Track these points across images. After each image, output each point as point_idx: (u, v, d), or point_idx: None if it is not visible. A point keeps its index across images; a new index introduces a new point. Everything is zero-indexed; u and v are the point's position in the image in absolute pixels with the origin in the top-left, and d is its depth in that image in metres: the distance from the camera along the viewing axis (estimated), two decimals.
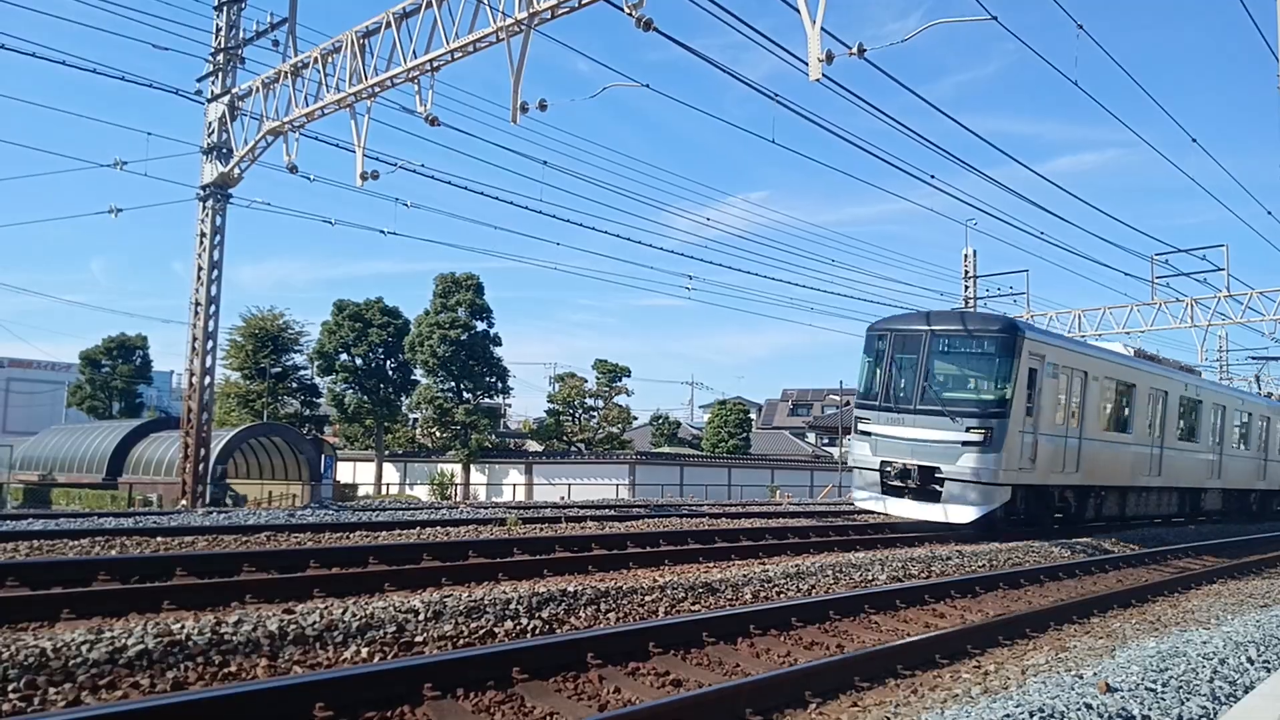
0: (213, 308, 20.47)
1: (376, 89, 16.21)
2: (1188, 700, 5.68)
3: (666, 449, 61.46)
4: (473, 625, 7.50)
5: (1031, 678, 6.55)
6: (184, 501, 20.35)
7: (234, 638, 6.34)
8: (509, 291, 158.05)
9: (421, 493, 43.73)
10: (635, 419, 58.59)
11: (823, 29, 11.10)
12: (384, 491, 44.64)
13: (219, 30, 20.37)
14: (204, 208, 20.32)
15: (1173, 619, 10.25)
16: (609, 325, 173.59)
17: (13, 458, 39.98)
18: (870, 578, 11.52)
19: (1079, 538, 17.72)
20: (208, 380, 20.87)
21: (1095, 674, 6.24)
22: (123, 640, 5.95)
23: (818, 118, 16.76)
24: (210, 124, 20.24)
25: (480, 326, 47.85)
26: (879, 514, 18.05)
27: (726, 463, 55.70)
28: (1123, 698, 5.52)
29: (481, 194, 24.42)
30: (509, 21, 13.56)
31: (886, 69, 12.76)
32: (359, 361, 47.15)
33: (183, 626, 6.34)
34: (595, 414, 54.72)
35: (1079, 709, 5.17)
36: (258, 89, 18.98)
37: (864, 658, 7.05)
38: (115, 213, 21.74)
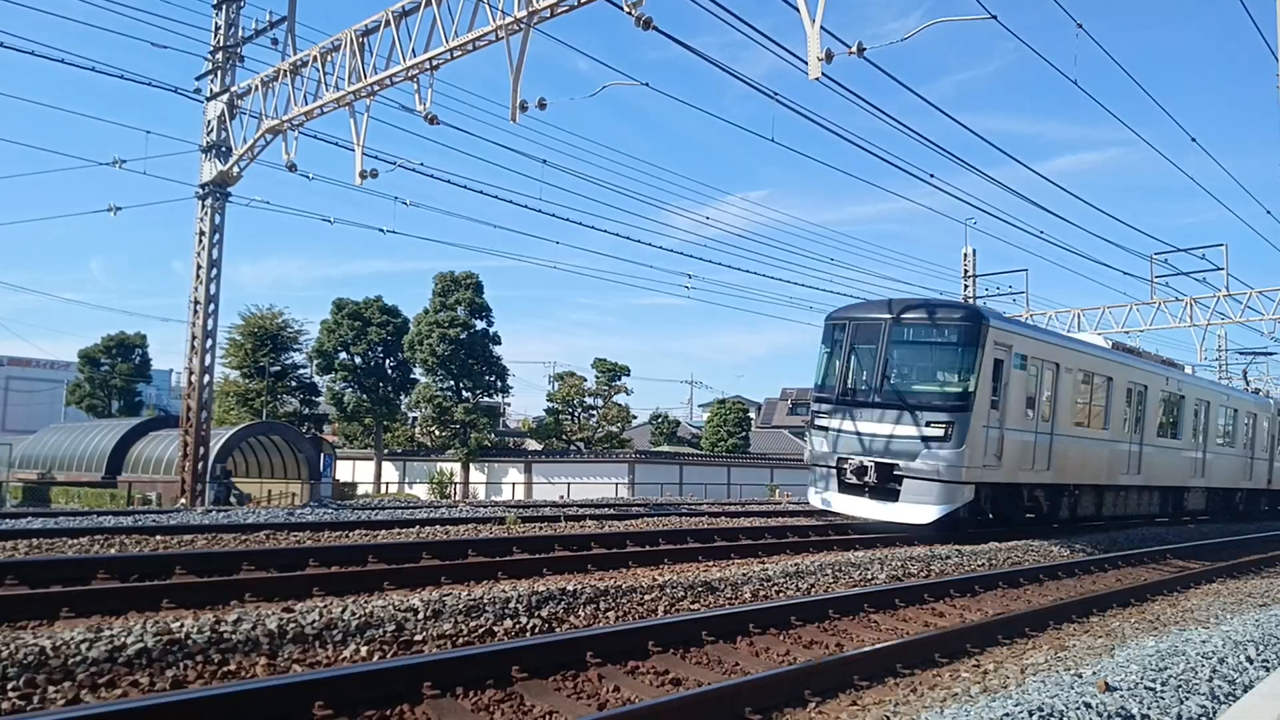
0: (212, 306, 20.47)
1: (376, 87, 16.20)
2: (1187, 699, 5.69)
3: (666, 448, 61.47)
4: (472, 624, 7.50)
5: (1031, 677, 6.56)
6: (183, 500, 20.34)
7: (233, 636, 6.33)
8: (508, 290, 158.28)
9: (421, 491, 43.72)
10: (634, 418, 58.60)
11: (822, 28, 11.10)
12: (383, 490, 44.63)
13: (218, 29, 20.36)
14: (203, 206, 20.31)
15: (1172, 618, 10.26)
16: (608, 324, 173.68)
17: (12, 456, 39.97)
18: (869, 576, 11.53)
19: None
20: (207, 379, 20.86)
21: (1095, 673, 6.24)
22: (122, 639, 5.95)
23: (817, 117, 16.79)
24: (209, 122, 20.23)
25: (479, 325, 47.87)
26: (838, 514, 17.25)
27: (726, 462, 55.73)
28: (1122, 697, 5.52)
29: (481, 193, 24.39)
30: (508, 20, 13.55)
31: (886, 68, 12.79)
32: (358, 360, 47.12)
33: (182, 625, 6.34)
34: (594, 413, 54.72)
35: (1078, 708, 5.17)
36: (257, 87, 18.97)
37: (863, 657, 7.05)
38: (114, 211, 21.75)
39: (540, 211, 21.65)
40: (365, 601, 7.71)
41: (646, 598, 8.98)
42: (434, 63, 14.99)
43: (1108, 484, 20.38)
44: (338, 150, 19.57)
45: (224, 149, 19.95)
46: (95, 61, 40.85)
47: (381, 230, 23.14)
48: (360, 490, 41.38)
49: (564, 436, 53.44)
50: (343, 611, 7.09)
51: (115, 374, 55.68)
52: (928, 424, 15.30)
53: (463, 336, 46.56)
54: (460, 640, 7.22)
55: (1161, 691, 5.78)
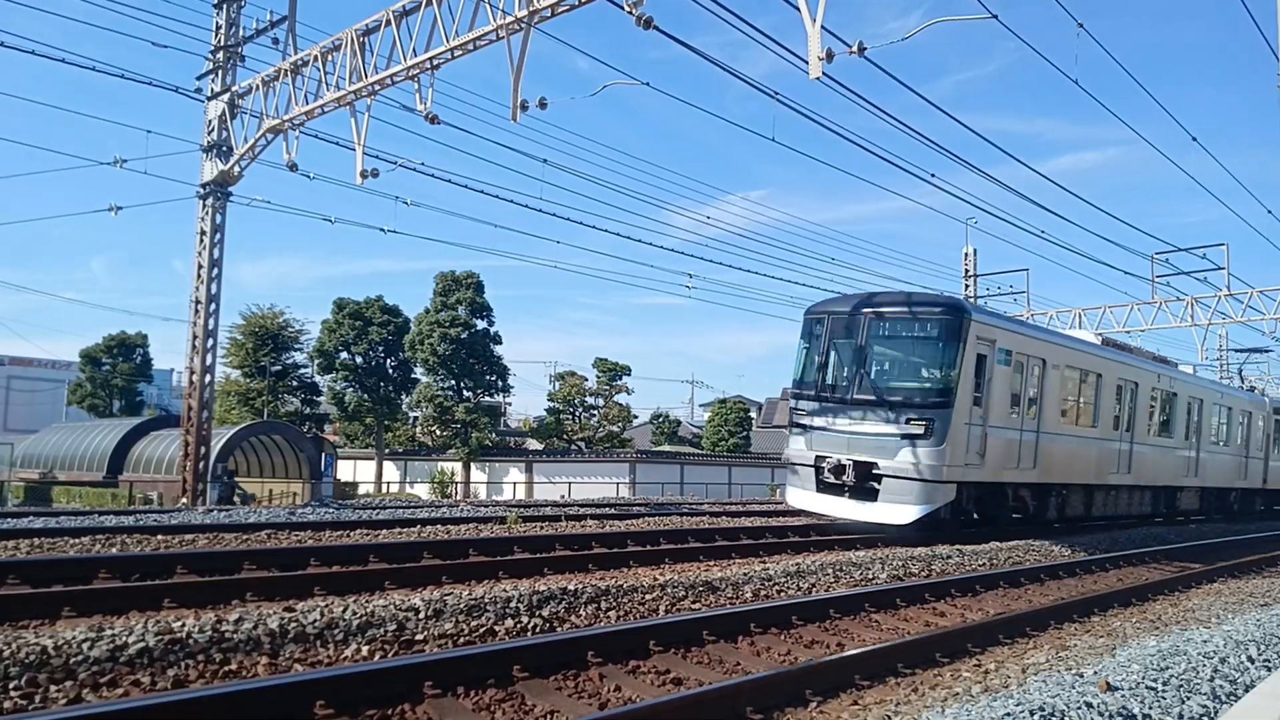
0: (213, 306, 20.48)
1: (376, 87, 16.20)
2: (1188, 699, 5.68)
3: (667, 447, 61.50)
4: (473, 623, 7.50)
5: (1032, 676, 6.56)
6: (184, 500, 20.36)
7: (235, 636, 6.34)
8: (509, 290, 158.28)
9: (422, 491, 43.75)
10: (635, 417, 58.62)
11: (823, 27, 11.10)
12: (384, 490, 44.66)
13: (219, 28, 20.37)
14: (204, 206, 20.33)
15: (1173, 618, 10.25)
16: (609, 324, 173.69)
17: (13, 456, 39.97)
18: (871, 576, 11.52)
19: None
20: (208, 378, 20.87)
21: (1096, 673, 6.23)
22: (124, 638, 5.95)
23: (818, 116, 16.78)
24: (210, 122, 20.24)
25: (480, 325, 47.88)
26: (817, 515, 16.83)
27: (727, 461, 55.73)
28: (1123, 696, 5.52)
29: (482, 192, 24.49)
30: (509, 19, 13.55)
31: (887, 67, 12.77)
32: (359, 360, 47.15)
33: (183, 624, 6.34)
34: (595, 412, 54.74)
35: (1080, 708, 5.17)
36: (258, 87, 18.97)
37: (865, 656, 7.05)
38: (115, 211, 21.76)
39: (541, 211, 21.70)
40: (366, 601, 7.71)
41: (648, 597, 8.98)
42: (435, 62, 14.99)
43: (1097, 483, 19.90)
44: (339, 150, 19.64)
45: (225, 148, 19.96)
46: (96, 61, 41.02)
47: (382, 230, 23.17)
48: (361, 490, 41.40)
49: (565, 436, 53.46)
50: (344, 611, 7.10)
51: (116, 373, 55.74)
52: (907, 421, 14.84)
53: (464, 336, 46.58)
54: (461, 640, 7.23)
55: (1163, 691, 5.78)
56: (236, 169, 19.82)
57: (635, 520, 18.49)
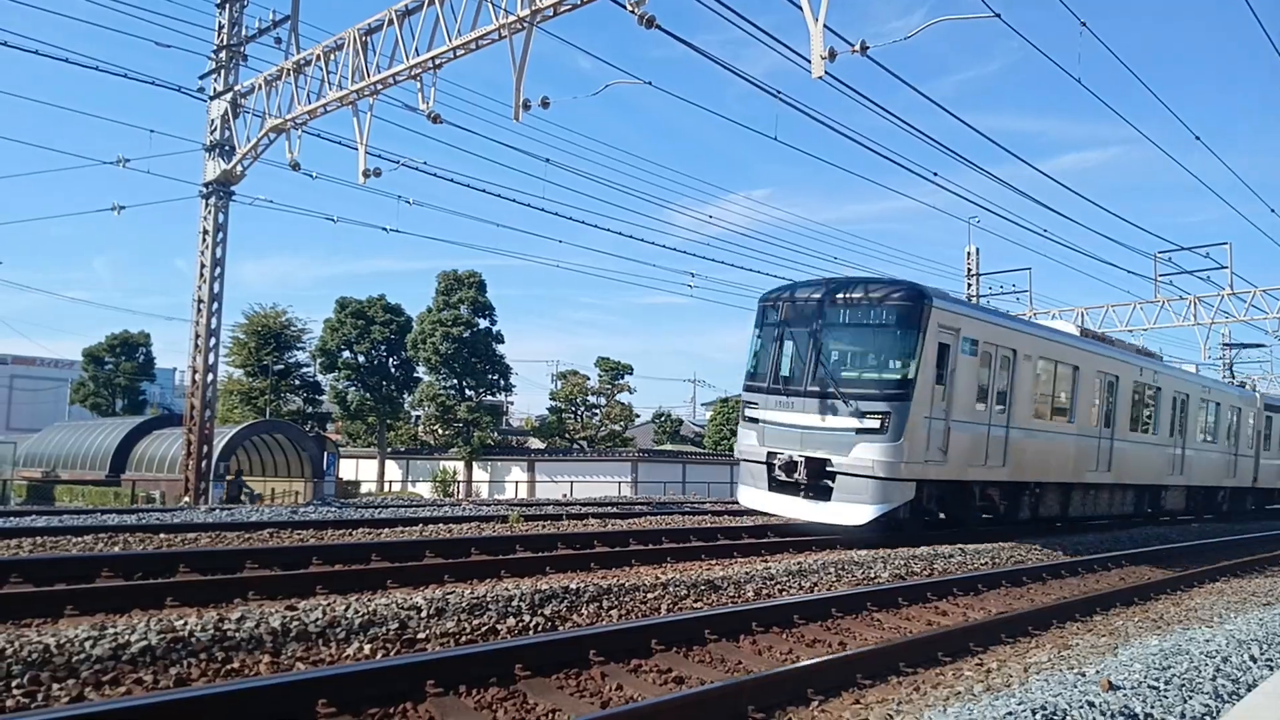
0: (215, 305, 20.50)
1: (379, 86, 16.21)
2: (1190, 698, 5.68)
3: (669, 446, 61.50)
4: (475, 622, 7.50)
5: (1034, 675, 6.55)
6: (187, 498, 20.39)
7: (237, 634, 6.35)
8: (511, 289, 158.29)
9: (424, 490, 43.79)
10: (637, 417, 58.66)
11: (825, 26, 11.09)
12: (386, 489, 44.70)
13: (221, 27, 20.38)
14: (206, 205, 20.35)
15: (1175, 617, 10.24)
16: (611, 323, 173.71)
17: (16, 455, 40.03)
18: (873, 575, 11.52)
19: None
20: (210, 377, 20.90)
21: (1098, 672, 6.23)
22: (126, 636, 5.96)
23: (820, 115, 16.70)
24: (213, 121, 20.26)
25: (483, 324, 47.91)
26: (769, 515, 15.95)
27: (729, 460, 55.67)
28: (1125, 695, 5.51)
29: (484, 192, 24.53)
30: (511, 19, 13.55)
31: (889, 66, 12.77)
32: (361, 359, 47.19)
33: (186, 623, 6.35)
34: (597, 411, 54.76)
35: (1082, 707, 5.17)
36: (260, 86, 18.99)
37: (866, 655, 7.05)
38: (118, 210, 21.80)
39: (543, 210, 21.67)
40: (369, 599, 7.71)
41: (649, 596, 8.98)
42: (437, 61, 15.00)
43: (1074, 482, 18.87)
44: (341, 149, 19.67)
45: (227, 148, 19.97)
46: (99, 60, 41.00)
47: (385, 229, 23.24)
48: (363, 489, 41.44)
49: (567, 435, 53.48)
50: (346, 609, 7.10)
51: (119, 373, 55.84)
52: (863, 414, 13.90)
53: (466, 335, 46.61)
54: (463, 638, 7.23)
55: (1165, 690, 5.77)
56: (239, 168, 19.84)
57: (637, 519, 18.49)
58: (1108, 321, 32.81)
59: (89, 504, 28.90)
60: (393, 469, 49.99)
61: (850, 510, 13.92)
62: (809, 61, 11.23)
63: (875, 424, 13.82)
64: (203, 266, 20.34)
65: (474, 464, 47.62)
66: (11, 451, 38.29)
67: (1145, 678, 6.03)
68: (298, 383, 47.40)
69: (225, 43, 20.23)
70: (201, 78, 20.62)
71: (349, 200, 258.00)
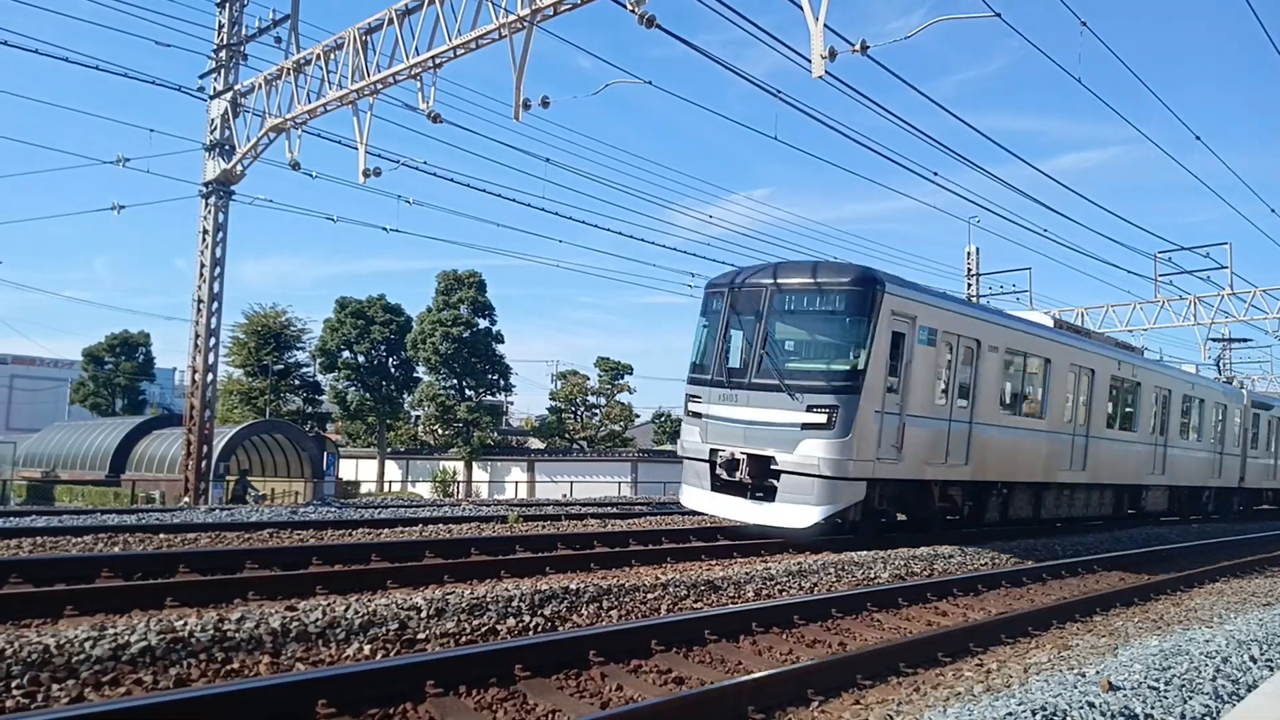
0: (215, 305, 20.50)
1: (379, 86, 16.21)
2: (1190, 699, 5.68)
3: (669, 447, 61.48)
4: (475, 623, 7.50)
5: (1034, 676, 6.55)
6: (187, 498, 20.39)
7: (237, 635, 6.35)
8: (511, 289, 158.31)
9: (424, 490, 43.80)
10: (637, 417, 58.70)
11: (825, 26, 11.09)
12: (386, 489, 44.71)
13: (221, 27, 20.38)
14: (206, 205, 20.34)
15: (1175, 617, 10.24)
16: (611, 323, 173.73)
17: (16, 454, 40.05)
18: (873, 575, 11.52)
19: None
20: (210, 377, 20.89)
21: (1098, 672, 6.23)
22: (126, 637, 5.96)
23: (821, 115, 16.68)
24: (213, 121, 20.25)
25: (482, 324, 47.95)
26: (713, 517, 15.07)
27: None
28: (1125, 696, 5.51)
29: (484, 191, 24.49)
30: (511, 18, 13.55)
31: (889, 66, 12.79)
32: (361, 359, 47.22)
33: (185, 623, 6.35)
34: (597, 412, 54.78)
35: (1082, 707, 5.17)
36: (260, 86, 18.98)
37: (866, 656, 7.05)
38: (118, 210, 21.79)
39: (543, 210, 21.65)
40: (368, 600, 7.71)
41: (649, 596, 8.98)
42: (437, 61, 14.99)
43: (1045, 481, 17.86)
44: (341, 149, 19.65)
45: (227, 147, 19.97)
46: (99, 60, 40.99)
47: (385, 229, 23.21)
48: (363, 489, 41.43)
49: (567, 435, 53.50)
50: (346, 610, 7.10)
51: (119, 372, 55.89)
52: (809, 408, 12.94)
53: (466, 335, 46.64)
54: (463, 639, 7.23)
55: (1165, 691, 5.77)
56: (239, 168, 19.84)
57: (637, 519, 18.50)
58: (1108, 321, 32.83)
59: (89, 504, 28.90)
60: (392, 469, 50.00)
61: (795, 512, 13.02)
62: (809, 61, 11.23)
63: (822, 418, 12.91)
64: (203, 266, 20.33)
65: (474, 464, 47.64)
66: (11, 451, 38.30)
67: (1145, 678, 6.03)
68: (297, 383, 47.43)
69: (225, 42, 20.23)
70: (201, 77, 20.63)
71: (349, 200, 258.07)
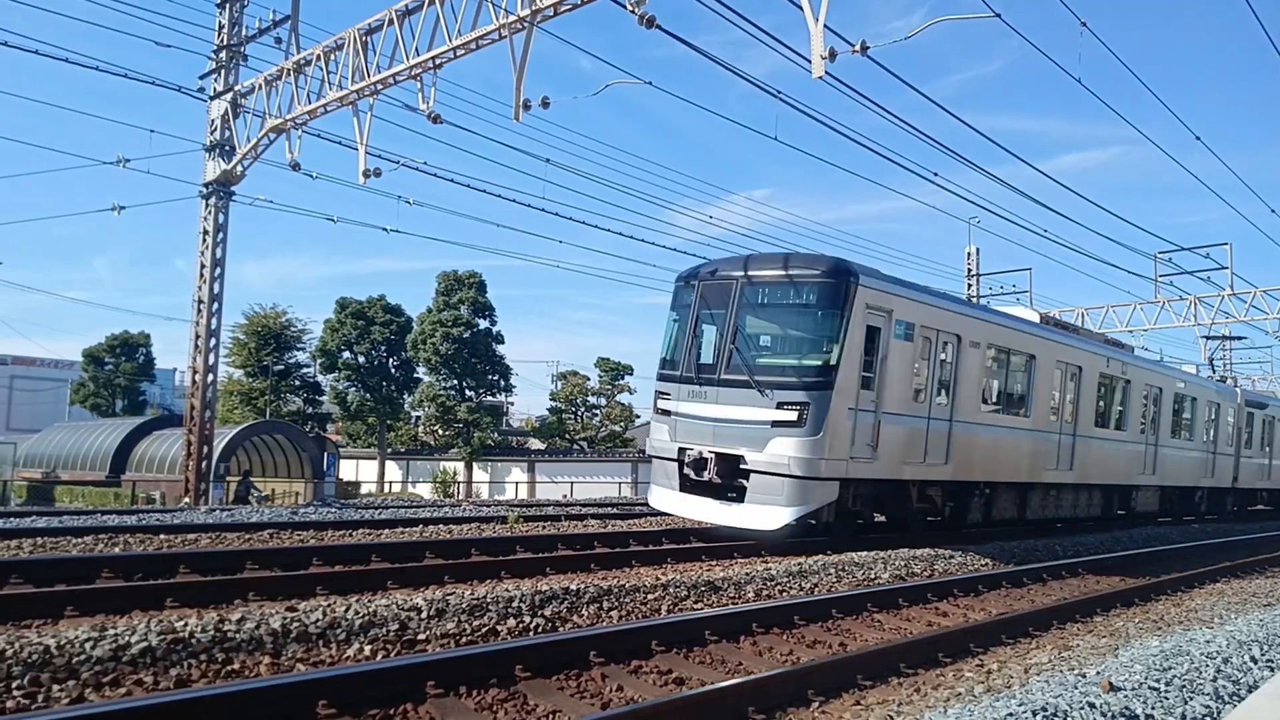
0: (215, 305, 20.50)
1: (379, 86, 16.21)
2: (1191, 699, 5.67)
3: None
4: (475, 623, 7.50)
5: (1035, 676, 6.56)
6: (187, 499, 20.38)
7: (237, 635, 6.34)
8: (512, 289, 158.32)
9: (424, 491, 43.81)
10: (638, 417, 58.59)
11: (825, 26, 11.10)
12: (386, 489, 44.71)
13: (222, 27, 20.39)
14: (206, 205, 20.35)
15: (1176, 618, 10.24)
16: (611, 323, 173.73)
17: (16, 455, 40.05)
18: (873, 576, 11.52)
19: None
20: (210, 378, 20.90)
21: (1098, 673, 6.23)
22: (126, 637, 5.96)
23: (821, 115, 16.66)
24: (213, 121, 20.26)
25: (483, 324, 47.97)
26: (682, 518, 14.63)
27: None
28: (1126, 696, 5.51)
29: (484, 192, 24.55)
30: (511, 19, 13.56)
31: (890, 66, 12.78)
32: (361, 359, 47.24)
33: (186, 624, 6.35)
34: (598, 412, 54.77)
35: (1082, 708, 5.16)
36: (260, 86, 18.99)
37: (867, 656, 7.05)
38: (118, 210, 21.80)
39: (544, 210, 21.72)
40: (369, 600, 7.71)
41: (650, 597, 8.98)
42: (437, 61, 15.00)
43: (1030, 482, 17.36)
44: (341, 149, 19.67)
45: (228, 148, 19.98)
46: (100, 60, 41.09)
47: (385, 229, 23.28)
48: (364, 489, 41.44)
49: (567, 436, 53.49)
50: (346, 610, 7.10)
51: (119, 373, 55.92)
52: (779, 405, 12.49)
53: (466, 336, 46.66)
54: (464, 639, 7.23)
55: (1165, 691, 5.77)
56: (239, 168, 19.85)
57: (637, 520, 18.48)
58: (1108, 322, 32.85)
59: (89, 505, 28.92)
60: (393, 469, 50.00)
61: (764, 514, 12.57)
62: (809, 62, 11.24)
63: (792, 416, 12.44)
64: (203, 267, 20.34)
65: (474, 465, 47.65)
66: (11, 452, 38.29)
67: (1146, 679, 6.03)
68: (298, 383, 47.47)
69: (225, 43, 20.24)
70: (202, 78, 20.64)
71: (349, 200, 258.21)
